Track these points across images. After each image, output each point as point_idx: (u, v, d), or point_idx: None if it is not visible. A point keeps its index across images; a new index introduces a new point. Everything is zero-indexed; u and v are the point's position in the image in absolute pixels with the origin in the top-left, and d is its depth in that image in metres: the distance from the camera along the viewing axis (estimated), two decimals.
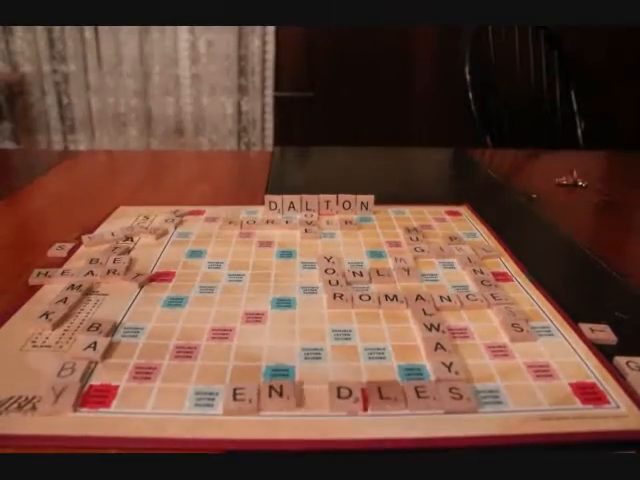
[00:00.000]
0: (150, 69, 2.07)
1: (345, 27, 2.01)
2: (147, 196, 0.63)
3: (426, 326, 0.35)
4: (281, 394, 0.29)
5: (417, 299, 0.39)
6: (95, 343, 0.32)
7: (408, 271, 0.43)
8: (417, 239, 0.50)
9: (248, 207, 0.58)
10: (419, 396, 0.29)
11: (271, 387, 0.29)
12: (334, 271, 0.43)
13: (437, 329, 0.35)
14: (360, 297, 0.39)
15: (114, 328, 0.35)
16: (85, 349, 0.32)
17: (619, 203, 0.66)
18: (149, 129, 2.15)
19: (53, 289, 0.40)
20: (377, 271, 0.43)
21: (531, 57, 1.38)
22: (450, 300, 0.39)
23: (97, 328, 0.34)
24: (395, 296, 0.39)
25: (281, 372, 0.31)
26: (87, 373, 0.30)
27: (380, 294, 0.39)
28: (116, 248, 0.47)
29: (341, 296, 0.39)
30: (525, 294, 0.40)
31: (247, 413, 0.28)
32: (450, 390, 0.29)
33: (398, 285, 0.42)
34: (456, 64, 1.38)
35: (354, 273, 0.43)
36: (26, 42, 2.01)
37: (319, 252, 0.47)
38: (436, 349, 0.33)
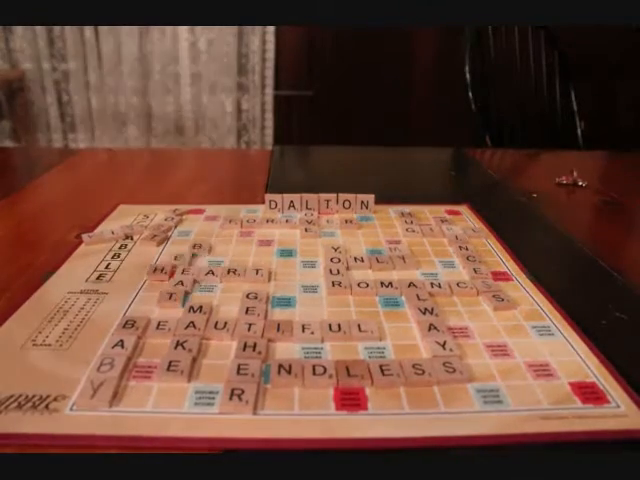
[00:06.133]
0: (150, 67, 2.07)
1: (345, 27, 2.01)
2: (147, 195, 0.63)
3: (420, 310, 0.37)
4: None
5: (410, 286, 0.40)
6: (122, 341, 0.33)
7: (404, 258, 0.45)
8: (411, 222, 0.54)
9: (248, 206, 0.58)
10: (384, 374, 0.30)
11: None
12: (339, 260, 0.45)
13: (430, 312, 0.37)
14: (358, 285, 0.40)
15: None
16: (113, 347, 0.32)
17: (619, 203, 0.66)
18: (149, 127, 2.15)
19: (53, 288, 0.40)
20: (377, 259, 0.45)
21: (531, 57, 1.38)
22: (440, 287, 0.41)
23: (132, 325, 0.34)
24: (390, 283, 0.41)
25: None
26: (126, 369, 0.31)
27: (376, 282, 0.41)
28: (119, 246, 0.47)
29: (339, 284, 0.40)
30: (525, 294, 0.40)
31: (243, 412, 0.28)
32: (444, 364, 0.31)
33: (395, 273, 0.44)
34: (456, 64, 1.38)
35: (355, 259, 0.45)
36: (26, 40, 2.01)
37: (319, 251, 0.47)
38: (430, 329, 0.35)
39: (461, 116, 1.41)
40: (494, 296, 0.39)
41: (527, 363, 0.32)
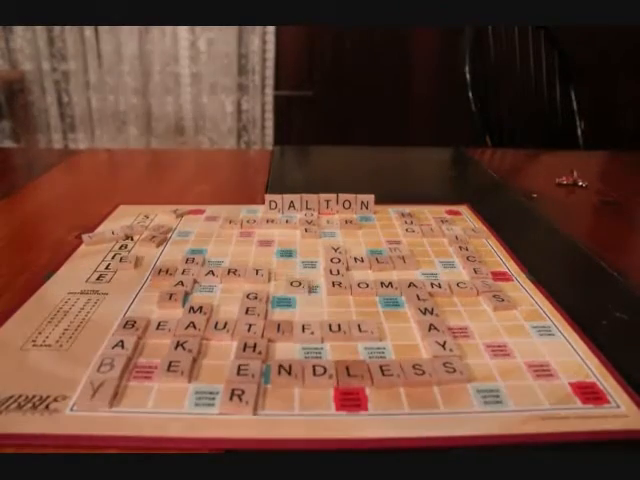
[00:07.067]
0: (150, 67, 2.07)
1: (345, 27, 2.01)
2: (147, 195, 0.63)
3: (420, 310, 0.37)
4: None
5: (410, 286, 0.40)
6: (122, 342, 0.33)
7: (404, 259, 0.45)
8: (411, 222, 0.54)
9: (248, 206, 0.58)
10: (384, 374, 0.30)
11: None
12: (339, 260, 0.45)
13: (430, 313, 0.37)
14: (358, 285, 0.40)
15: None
16: (114, 347, 0.32)
17: (619, 203, 0.66)
18: (149, 128, 2.15)
19: (53, 288, 0.40)
20: (377, 259, 0.45)
21: (531, 57, 1.38)
22: (440, 287, 0.41)
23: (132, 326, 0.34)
24: (390, 283, 0.41)
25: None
26: (126, 370, 0.31)
27: (376, 282, 0.41)
28: (119, 246, 0.47)
29: (339, 284, 0.40)
30: (525, 294, 0.40)
31: (243, 413, 0.28)
32: (444, 364, 0.31)
33: (395, 273, 0.44)
34: (456, 64, 1.38)
35: (355, 259, 0.45)
36: (26, 40, 2.01)
37: (319, 251, 0.47)
38: (430, 330, 0.35)
39: (461, 116, 1.40)
40: (494, 296, 0.39)
41: (527, 363, 0.32)
